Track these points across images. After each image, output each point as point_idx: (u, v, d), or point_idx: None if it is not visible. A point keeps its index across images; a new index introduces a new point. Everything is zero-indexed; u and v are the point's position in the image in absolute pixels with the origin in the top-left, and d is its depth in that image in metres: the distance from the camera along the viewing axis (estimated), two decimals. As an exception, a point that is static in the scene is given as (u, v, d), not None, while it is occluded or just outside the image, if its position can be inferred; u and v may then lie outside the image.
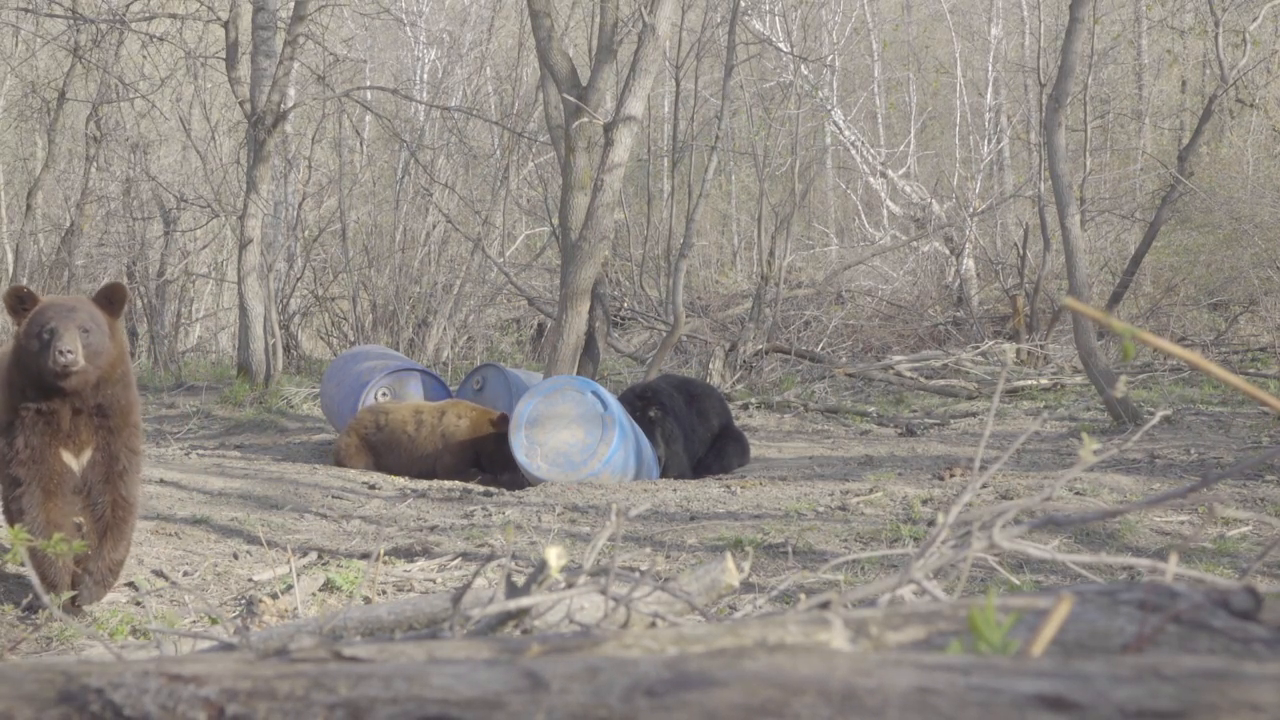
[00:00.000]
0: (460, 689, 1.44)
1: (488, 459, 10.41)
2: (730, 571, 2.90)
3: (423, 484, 9.84)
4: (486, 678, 1.45)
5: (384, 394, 11.83)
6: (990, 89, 26.06)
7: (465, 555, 6.77)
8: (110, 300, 5.19)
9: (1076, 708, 1.35)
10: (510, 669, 1.47)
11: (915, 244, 22.96)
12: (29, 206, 22.23)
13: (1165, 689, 1.36)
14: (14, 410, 5.15)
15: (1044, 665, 1.46)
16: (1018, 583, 5.31)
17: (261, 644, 1.94)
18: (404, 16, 26.49)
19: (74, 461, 5.19)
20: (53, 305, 5.06)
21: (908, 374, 16.39)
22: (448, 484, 9.90)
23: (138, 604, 5.62)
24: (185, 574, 6.27)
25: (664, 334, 17.26)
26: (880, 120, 28.99)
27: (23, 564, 3.98)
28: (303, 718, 1.44)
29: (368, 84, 23.88)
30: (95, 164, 22.57)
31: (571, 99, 12.31)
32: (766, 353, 17.19)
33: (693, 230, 18.51)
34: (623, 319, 22.13)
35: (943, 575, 4.42)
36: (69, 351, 4.88)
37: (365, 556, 6.66)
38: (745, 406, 14.57)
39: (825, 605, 2.10)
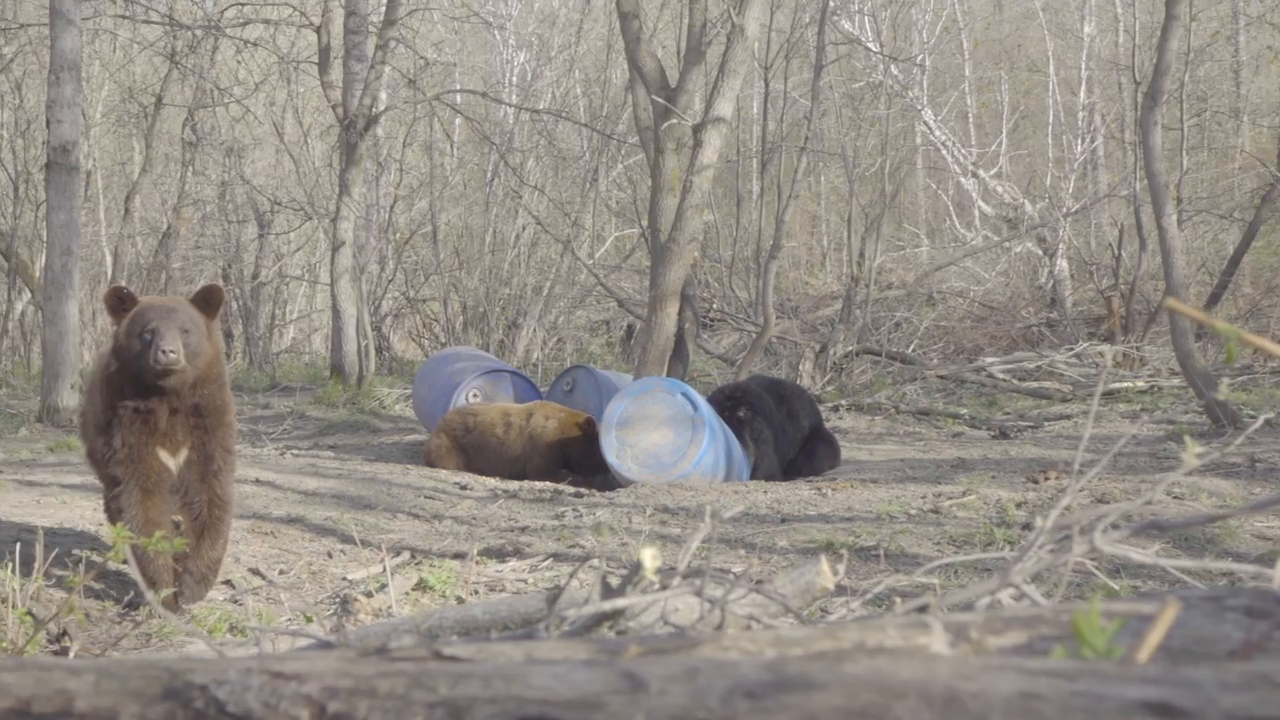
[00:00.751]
0: (559, 689, 1.44)
1: (576, 460, 10.43)
2: (825, 574, 2.88)
3: (513, 485, 9.88)
4: (585, 678, 1.45)
5: (475, 395, 11.89)
6: (1084, 87, 25.77)
7: (556, 556, 6.78)
8: (207, 301, 5.26)
9: (1184, 715, 1.32)
10: (609, 670, 1.47)
11: (1007, 244, 22.75)
12: (127, 210, 22.62)
13: (1276, 696, 1.34)
14: (112, 409, 5.22)
15: (1150, 671, 1.44)
16: (1116, 588, 5.24)
17: (361, 642, 1.95)
18: (493, 20, 26.63)
19: (171, 461, 5.25)
20: (153, 306, 5.13)
21: (1000, 376, 16.24)
22: (538, 485, 9.92)
23: (235, 602, 5.69)
24: (281, 572, 6.34)
25: (753, 335, 17.23)
26: (971, 119, 28.76)
27: (124, 561, 4.04)
28: (403, 716, 1.45)
29: (458, 87, 24.04)
30: (191, 168, 22.95)
31: (660, 100, 12.32)
32: (857, 354, 17.11)
33: (782, 231, 18.45)
34: (712, 320, 22.11)
35: (1039, 580, 4.37)
36: (171, 351, 4.95)
37: (457, 556, 6.69)
38: (835, 408, 14.50)
39: (924, 609, 2.09)
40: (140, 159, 23.84)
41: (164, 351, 4.94)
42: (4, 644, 4.34)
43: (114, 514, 5.29)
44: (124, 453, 5.19)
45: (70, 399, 13.19)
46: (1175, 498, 7.90)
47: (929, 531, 7.18)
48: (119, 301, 5.15)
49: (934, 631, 1.82)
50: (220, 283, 24.23)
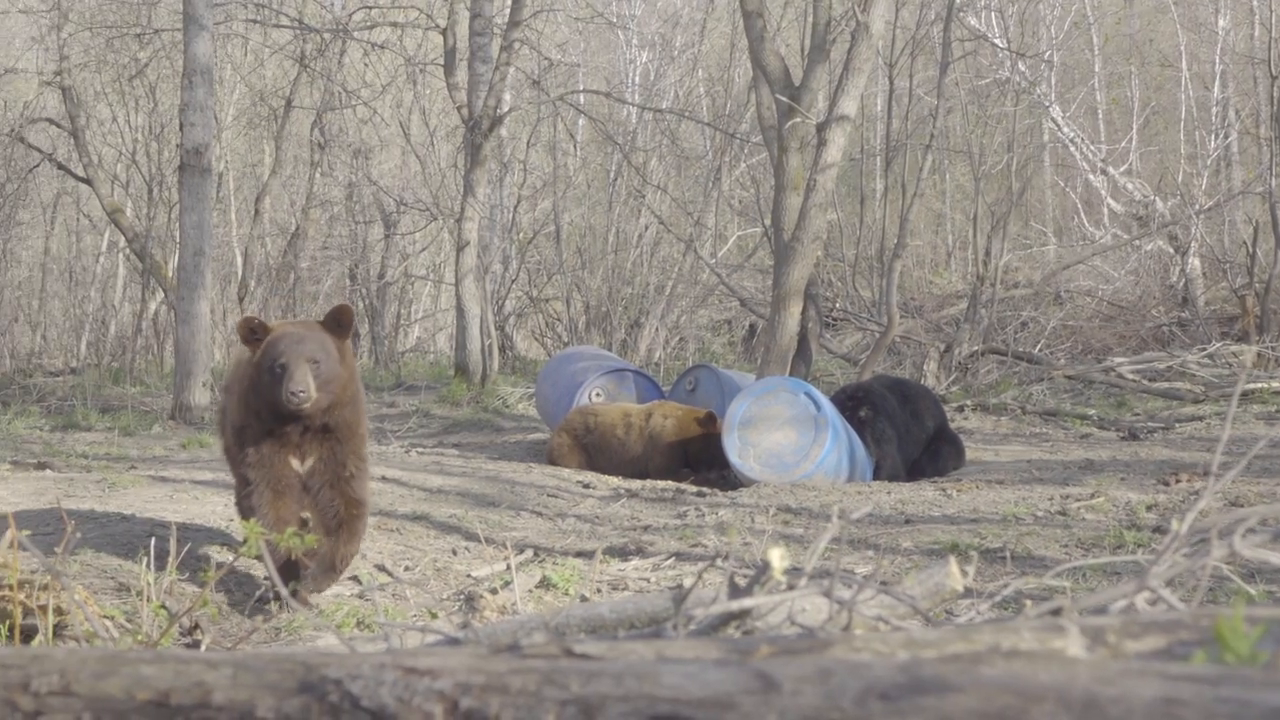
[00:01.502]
0: (691, 688, 1.43)
1: (695, 458, 10.43)
2: (954, 576, 2.85)
3: (635, 484, 9.91)
4: (717, 678, 1.44)
5: (598, 394, 11.93)
6: (1217, 82, 25.22)
7: (679, 555, 6.79)
8: (339, 323, 5.32)
9: (1333, 723, 1.29)
10: (741, 669, 1.46)
11: (1138, 243, 22.33)
12: (257, 211, 23.05)
13: None
14: (246, 419, 5.36)
15: (1296, 678, 1.40)
16: (1253, 593, 5.12)
17: (490, 639, 1.96)
18: (616, 20, 26.72)
19: (300, 466, 5.37)
20: (284, 337, 5.20)
21: (1130, 376, 15.93)
22: (660, 484, 9.94)
23: (361, 597, 5.76)
24: (406, 569, 6.41)
25: (877, 335, 17.08)
26: (1100, 116, 28.28)
27: (257, 557, 4.11)
28: (535, 713, 1.46)
29: (581, 88, 24.17)
30: (319, 169, 23.31)
31: (784, 99, 12.27)
32: (982, 354, 16.89)
33: (906, 230, 18.29)
34: (835, 320, 21.96)
35: (1175, 584, 4.28)
36: (301, 391, 5.07)
37: (580, 554, 6.73)
38: (960, 409, 14.32)
39: (1058, 611, 2.05)
40: (270, 161, 24.27)
41: (295, 392, 5.06)
42: (139, 636, 4.44)
43: (245, 511, 5.43)
44: (255, 458, 5.34)
45: (202, 396, 13.47)
46: (1313, 501, 7.71)
47: (1056, 534, 7.07)
48: (251, 332, 5.25)
49: (1070, 635, 1.79)
50: (347, 282, 24.64)
